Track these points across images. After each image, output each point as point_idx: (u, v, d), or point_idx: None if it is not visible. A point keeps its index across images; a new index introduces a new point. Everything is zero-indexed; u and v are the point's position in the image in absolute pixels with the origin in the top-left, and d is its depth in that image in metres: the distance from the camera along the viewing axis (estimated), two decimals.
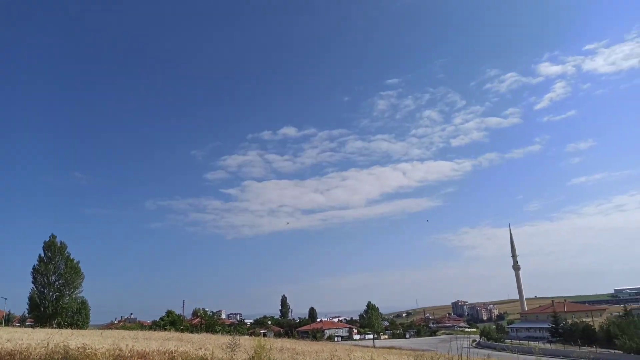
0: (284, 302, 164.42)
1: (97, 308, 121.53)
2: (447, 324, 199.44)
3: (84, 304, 70.52)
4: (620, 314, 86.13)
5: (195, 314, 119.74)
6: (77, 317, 68.51)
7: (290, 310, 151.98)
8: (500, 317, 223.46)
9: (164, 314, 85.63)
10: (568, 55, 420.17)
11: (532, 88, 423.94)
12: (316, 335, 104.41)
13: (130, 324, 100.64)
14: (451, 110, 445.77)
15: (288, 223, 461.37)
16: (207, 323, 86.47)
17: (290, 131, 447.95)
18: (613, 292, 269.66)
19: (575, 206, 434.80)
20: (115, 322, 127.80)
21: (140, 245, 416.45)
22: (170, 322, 78.04)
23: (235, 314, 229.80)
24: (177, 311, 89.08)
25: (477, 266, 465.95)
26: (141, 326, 78.18)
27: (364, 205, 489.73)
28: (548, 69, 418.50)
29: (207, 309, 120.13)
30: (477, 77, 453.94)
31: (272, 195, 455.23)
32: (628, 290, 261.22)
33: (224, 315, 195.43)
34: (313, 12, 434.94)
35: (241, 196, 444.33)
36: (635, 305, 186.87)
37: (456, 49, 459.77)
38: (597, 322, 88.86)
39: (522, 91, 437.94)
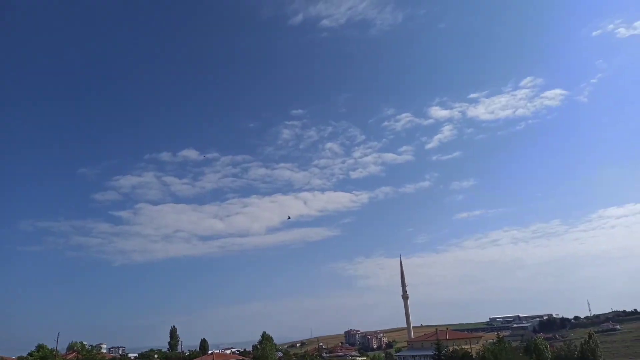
0: (173, 333, 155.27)
1: None
2: (340, 353, 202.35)
3: None
4: (494, 341, 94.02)
5: (71, 348, 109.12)
6: None
7: (180, 342, 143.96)
8: (389, 345, 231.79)
9: (33, 348, 77.17)
10: (455, 102, 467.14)
11: (423, 129, 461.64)
12: None
13: None
14: (352, 144, 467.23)
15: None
16: (85, 358, 79.24)
17: (191, 154, 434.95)
18: (488, 320, 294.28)
19: (457, 239, 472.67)
20: None
21: (10, 269, 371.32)
22: (41, 357, 70.36)
23: (118, 348, 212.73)
24: (50, 345, 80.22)
25: (369, 295, 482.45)
26: None
27: (264, 233, 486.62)
28: (438, 112, 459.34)
29: (85, 343, 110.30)
30: (376, 114, 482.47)
31: (168, 219, 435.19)
32: (501, 319, 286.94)
33: (104, 349, 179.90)
34: (224, 37, 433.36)
35: (133, 219, 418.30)
36: (506, 333, 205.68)
37: (358, 87, 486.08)
38: (474, 348, 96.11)
39: (415, 131, 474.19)
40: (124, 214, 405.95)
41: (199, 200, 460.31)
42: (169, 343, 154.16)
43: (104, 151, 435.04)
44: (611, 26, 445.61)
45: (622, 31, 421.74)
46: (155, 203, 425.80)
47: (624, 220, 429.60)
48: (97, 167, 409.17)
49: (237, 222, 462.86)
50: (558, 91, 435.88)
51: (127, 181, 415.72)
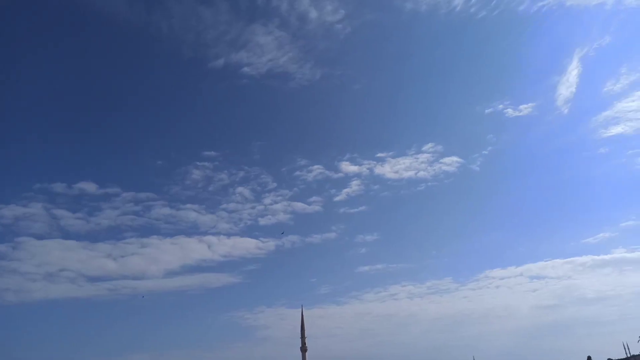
0: None
1: None
2: None
3: None
4: None
5: None
6: None
7: None
8: None
9: None
10: (364, 159, 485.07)
11: (333, 181, 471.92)
12: None
13: None
14: (263, 190, 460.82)
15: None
16: None
17: (89, 187, 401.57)
18: None
19: (358, 292, 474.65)
20: None
21: None
22: None
23: None
24: None
25: (267, 347, 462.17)
26: None
27: (162, 276, 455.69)
28: (348, 167, 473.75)
29: None
30: (289, 163, 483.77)
31: (53, 256, 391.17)
32: None
33: None
34: (139, 72, 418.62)
35: (12, 254, 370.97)
36: None
37: (274, 135, 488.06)
38: None
39: (325, 183, 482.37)
40: (1, 247, 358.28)
41: (92, 237, 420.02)
42: None
43: None
44: (501, 106, 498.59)
45: (510, 111, 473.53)
46: (40, 237, 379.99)
47: (506, 281, 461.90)
48: None
49: (132, 264, 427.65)
50: (455, 158, 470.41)
51: (9, 211, 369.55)
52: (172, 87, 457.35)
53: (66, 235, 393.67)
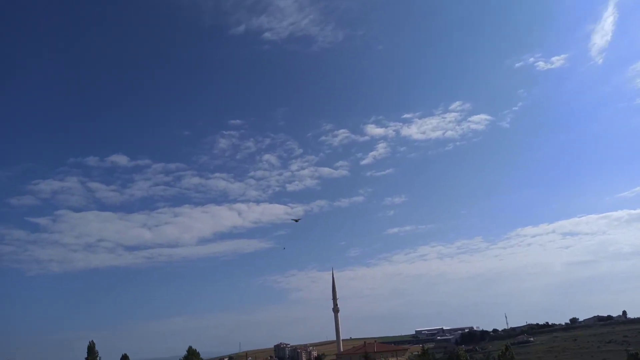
0: (91, 349, 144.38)
1: None
2: None
3: None
4: (419, 353, 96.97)
5: None
6: None
7: (99, 358, 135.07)
8: (319, 358, 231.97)
9: None
10: (390, 121, 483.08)
11: (359, 145, 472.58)
12: None
13: None
14: (289, 157, 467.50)
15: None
16: None
17: (121, 159, 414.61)
18: (414, 332, 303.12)
19: (388, 254, 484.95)
20: None
21: None
22: None
23: None
24: None
25: (301, 309, 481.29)
26: None
27: (195, 244, 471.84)
28: (373, 130, 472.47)
29: None
30: (314, 129, 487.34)
31: (91, 227, 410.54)
32: (426, 331, 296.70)
33: None
34: (162, 42, 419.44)
35: (52, 227, 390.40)
36: (431, 345, 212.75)
37: (298, 101, 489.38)
38: None
39: (352, 147, 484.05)
40: (42, 220, 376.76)
41: (127, 208, 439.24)
42: (86, 359, 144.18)
43: (21, 153, 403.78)
44: (532, 59, 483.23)
45: (541, 64, 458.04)
46: (77, 210, 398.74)
47: (538, 238, 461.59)
48: (11, 170, 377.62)
49: (166, 232, 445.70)
50: (483, 116, 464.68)
51: (47, 186, 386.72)
52: (195, 56, 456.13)
53: (102, 207, 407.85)
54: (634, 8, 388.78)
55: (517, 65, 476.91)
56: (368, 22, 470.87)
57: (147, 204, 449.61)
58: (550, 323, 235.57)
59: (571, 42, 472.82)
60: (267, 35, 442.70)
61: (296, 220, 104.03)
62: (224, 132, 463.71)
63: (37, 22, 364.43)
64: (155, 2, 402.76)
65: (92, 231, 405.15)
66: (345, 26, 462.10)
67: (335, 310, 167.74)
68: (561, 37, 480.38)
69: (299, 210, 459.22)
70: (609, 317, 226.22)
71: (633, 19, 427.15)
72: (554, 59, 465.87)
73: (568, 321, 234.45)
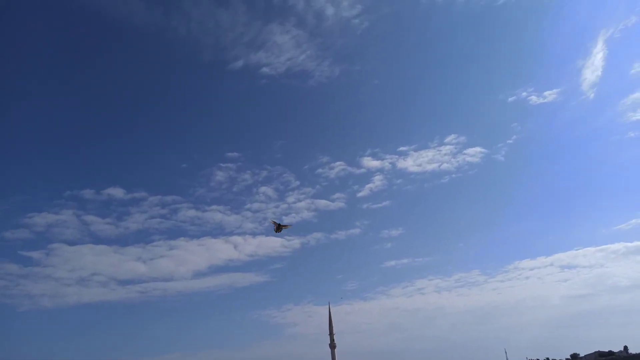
0: None
1: None
2: None
3: None
4: None
5: None
6: None
7: None
8: None
9: None
10: (386, 154, 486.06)
11: (356, 177, 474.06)
12: None
13: None
14: (286, 189, 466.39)
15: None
16: None
17: (117, 192, 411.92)
18: None
19: (385, 287, 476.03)
20: None
21: None
22: None
23: None
24: None
25: (296, 344, 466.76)
26: None
27: (190, 278, 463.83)
28: (370, 162, 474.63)
29: None
30: (310, 161, 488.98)
31: (85, 261, 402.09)
32: None
33: None
34: (160, 76, 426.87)
35: (46, 261, 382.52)
36: None
37: (295, 134, 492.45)
38: None
39: (348, 179, 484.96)
40: (35, 254, 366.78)
41: (122, 241, 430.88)
42: None
43: (17, 186, 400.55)
44: (524, 93, 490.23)
45: (534, 99, 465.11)
46: (72, 243, 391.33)
47: (536, 271, 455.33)
48: (7, 203, 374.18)
49: (161, 266, 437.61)
50: (478, 149, 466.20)
51: (42, 219, 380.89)
52: (193, 90, 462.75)
53: (97, 240, 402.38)
54: (622, 45, 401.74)
55: (510, 99, 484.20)
56: (364, 58, 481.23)
57: (142, 237, 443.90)
58: (551, 359, 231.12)
59: (563, 77, 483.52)
60: (265, 70, 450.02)
61: (280, 227, 75.36)
62: (221, 164, 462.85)
63: (34, 51, 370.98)
64: (155, 37, 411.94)
65: (85, 265, 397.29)
66: (342, 62, 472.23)
67: (332, 346, 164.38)
68: (553, 72, 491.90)
69: (295, 242, 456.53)
70: (611, 353, 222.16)
71: (621, 55, 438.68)
72: (546, 93, 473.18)
73: (569, 356, 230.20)
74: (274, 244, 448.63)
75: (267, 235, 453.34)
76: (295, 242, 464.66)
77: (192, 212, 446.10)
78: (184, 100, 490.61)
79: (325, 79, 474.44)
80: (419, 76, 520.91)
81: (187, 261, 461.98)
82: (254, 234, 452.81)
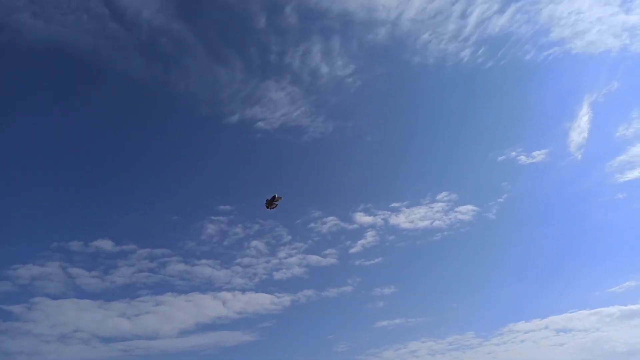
0: None
1: None
2: None
3: None
4: None
5: None
6: None
7: None
8: None
9: None
10: (378, 209, 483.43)
11: (348, 233, 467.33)
12: None
13: None
14: (277, 244, 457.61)
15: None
16: None
17: (105, 244, 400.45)
18: None
19: (377, 349, 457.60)
20: None
21: None
22: None
23: None
24: None
25: None
26: None
27: (175, 336, 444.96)
28: (362, 218, 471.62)
29: None
30: (303, 216, 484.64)
31: (68, 316, 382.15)
32: None
33: None
34: (154, 128, 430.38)
35: (27, 315, 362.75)
36: None
37: (287, 188, 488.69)
38: None
39: (340, 234, 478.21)
40: (16, 308, 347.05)
41: (107, 296, 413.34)
42: None
43: (4, 236, 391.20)
44: (514, 153, 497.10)
45: (523, 158, 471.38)
46: (55, 297, 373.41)
47: (531, 334, 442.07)
48: None
49: (146, 323, 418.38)
50: (470, 207, 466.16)
51: (26, 271, 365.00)
52: (188, 143, 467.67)
53: (81, 294, 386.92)
54: (606, 108, 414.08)
55: (500, 158, 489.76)
56: (357, 115, 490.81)
57: (128, 292, 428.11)
58: None
59: (550, 138, 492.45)
60: (260, 124, 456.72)
61: (272, 201, 54.60)
62: (213, 217, 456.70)
63: (24, 101, 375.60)
64: (154, 91, 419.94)
65: (68, 320, 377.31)
66: (336, 118, 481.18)
67: None
68: (541, 132, 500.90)
69: (285, 299, 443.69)
70: None
71: (606, 119, 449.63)
72: (535, 153, 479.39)
73: None
74: (263, 300, 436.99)
75: (257, 291, 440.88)
76: (286, 299, 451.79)
77: (181, 266, 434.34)
78: (178, 152, 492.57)
79: (319, 135, 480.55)
80: (410, 134, 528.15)
81: (173, 318, 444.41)
82: (243, 290, 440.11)
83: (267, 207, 79.70)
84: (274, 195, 77.49)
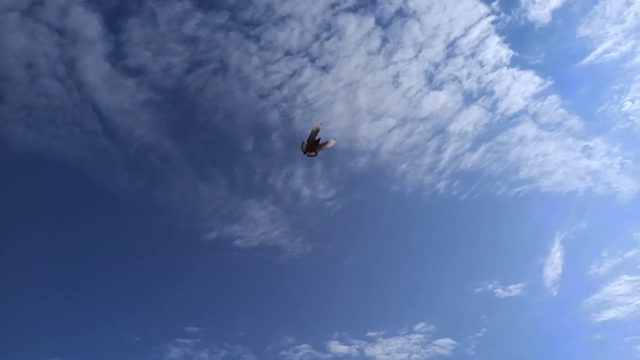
0: None
1: None
2: None
3: None
4: None
5: None
6: None
7: None
8: None
9: None
10: (354, 339, 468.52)
11: None
12: None
13: None
14: None
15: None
16: None
17: None
18: None
19: None
20: None
21: None
22: None
23: None
24: None
25: None
26: None
27: None
28: (337, 347, 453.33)
29: None
30: (275, 342, 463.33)
31: None
32: None
33: None
34: (123, 242, 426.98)
35: None
36: None
37: (260, 311, 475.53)
38: None
39: None
40: None
41: None
42: None
43: None
44: (490, 286, 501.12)
45: (500, 292, 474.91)
46: None
47: None
48: None
49: None
50: (448, 340, 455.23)
51: None
52: (161, 259, 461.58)
53: None
54: (577, 246, 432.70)
55: (477, 290, 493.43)
56: (336, 238, 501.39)
57: None
58: None
59: (526, 273, 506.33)
60: (238, 242, 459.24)
61: (315, 142, 37.28)
62: (178, 339, 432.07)
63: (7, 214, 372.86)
64: (133, 203, 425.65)
65: None
66: (314, 239, 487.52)
67: None
68: (515, 266, 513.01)
69: None
70: None
71: (578, 256, 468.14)
72: (511, 287, 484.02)
73: None
74: None
75: None
76: None
77: None
78: (151, 267, 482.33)
79: (297, 255, 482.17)
80: (386, 260, 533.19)
81: None
82: None
83: (306, 152, 31.38)
84: (316, 128, 27.41)
